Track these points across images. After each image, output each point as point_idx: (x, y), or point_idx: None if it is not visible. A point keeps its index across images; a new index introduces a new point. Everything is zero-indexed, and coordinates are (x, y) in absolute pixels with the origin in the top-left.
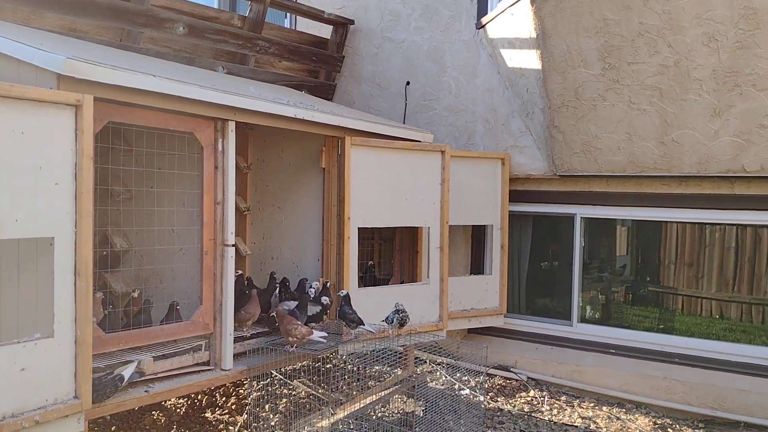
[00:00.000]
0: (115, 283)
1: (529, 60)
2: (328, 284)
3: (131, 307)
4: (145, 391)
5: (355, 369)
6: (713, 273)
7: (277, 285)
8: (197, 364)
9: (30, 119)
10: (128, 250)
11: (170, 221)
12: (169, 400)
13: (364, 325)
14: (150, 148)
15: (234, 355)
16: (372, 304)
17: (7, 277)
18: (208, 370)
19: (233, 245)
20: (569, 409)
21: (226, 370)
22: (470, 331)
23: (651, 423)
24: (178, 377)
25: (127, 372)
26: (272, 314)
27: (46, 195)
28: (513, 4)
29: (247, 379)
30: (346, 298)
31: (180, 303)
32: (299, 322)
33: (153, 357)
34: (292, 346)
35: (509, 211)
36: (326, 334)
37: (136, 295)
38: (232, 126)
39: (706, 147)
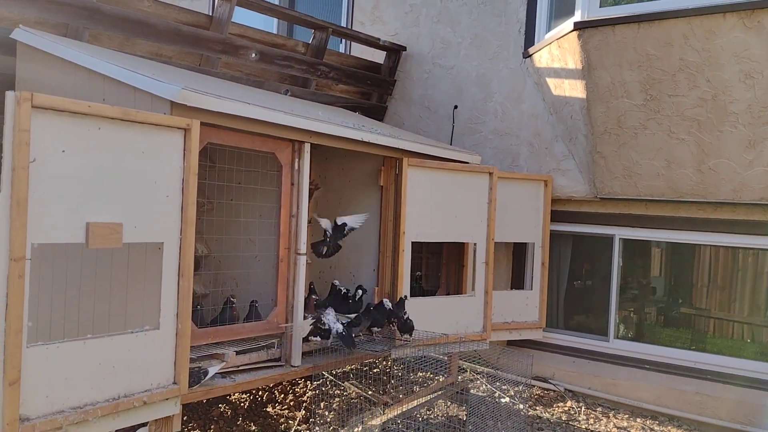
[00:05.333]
0: (195, 285)
1: (573, 89)
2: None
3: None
4: (231, 379)
5: (399, 374)
6: (745, 296)
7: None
8: (270, 360)
9: (150, 140)
10: (208, 256)
11: (247, 231)
12: (233, 394)
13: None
14: (230, 165)
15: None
16: (422, 312)
17: (117, 277)
18: (280, 365)
19: (305, 254)
20: (605, 419)
21: (295, 367)
22: (509, 342)
23: None
24: (255, 371)
25: (213, 369)
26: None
27: (158, 205)
28: (560, 37)
29: (311, 376)
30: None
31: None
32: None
33: (236, 351)
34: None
35: (550, 230)
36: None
37: (234, 301)
38: (307, 147)
39: (740, 176)
